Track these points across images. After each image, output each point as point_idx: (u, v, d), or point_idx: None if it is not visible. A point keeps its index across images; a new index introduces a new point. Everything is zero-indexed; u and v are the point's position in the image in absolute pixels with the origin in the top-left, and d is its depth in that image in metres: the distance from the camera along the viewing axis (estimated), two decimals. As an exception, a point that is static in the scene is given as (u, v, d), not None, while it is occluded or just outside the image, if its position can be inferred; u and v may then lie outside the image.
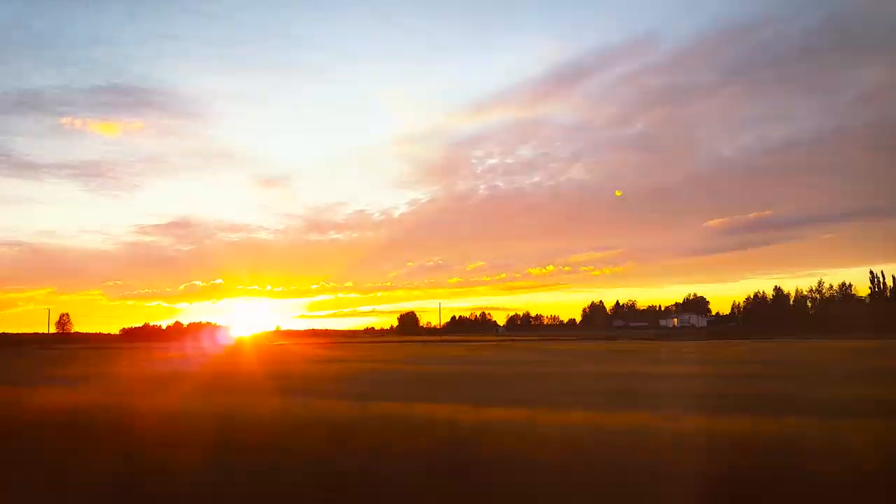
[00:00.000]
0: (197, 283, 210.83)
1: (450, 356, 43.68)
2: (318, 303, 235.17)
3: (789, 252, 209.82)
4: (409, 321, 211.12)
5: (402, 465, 4.70)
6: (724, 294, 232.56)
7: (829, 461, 3.98)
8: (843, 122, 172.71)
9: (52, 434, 6.24)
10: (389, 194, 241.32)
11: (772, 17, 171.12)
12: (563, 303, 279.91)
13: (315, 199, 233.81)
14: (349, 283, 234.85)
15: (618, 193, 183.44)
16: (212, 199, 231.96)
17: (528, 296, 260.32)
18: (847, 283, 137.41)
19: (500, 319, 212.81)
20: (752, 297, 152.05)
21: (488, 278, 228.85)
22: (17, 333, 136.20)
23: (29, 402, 8.01)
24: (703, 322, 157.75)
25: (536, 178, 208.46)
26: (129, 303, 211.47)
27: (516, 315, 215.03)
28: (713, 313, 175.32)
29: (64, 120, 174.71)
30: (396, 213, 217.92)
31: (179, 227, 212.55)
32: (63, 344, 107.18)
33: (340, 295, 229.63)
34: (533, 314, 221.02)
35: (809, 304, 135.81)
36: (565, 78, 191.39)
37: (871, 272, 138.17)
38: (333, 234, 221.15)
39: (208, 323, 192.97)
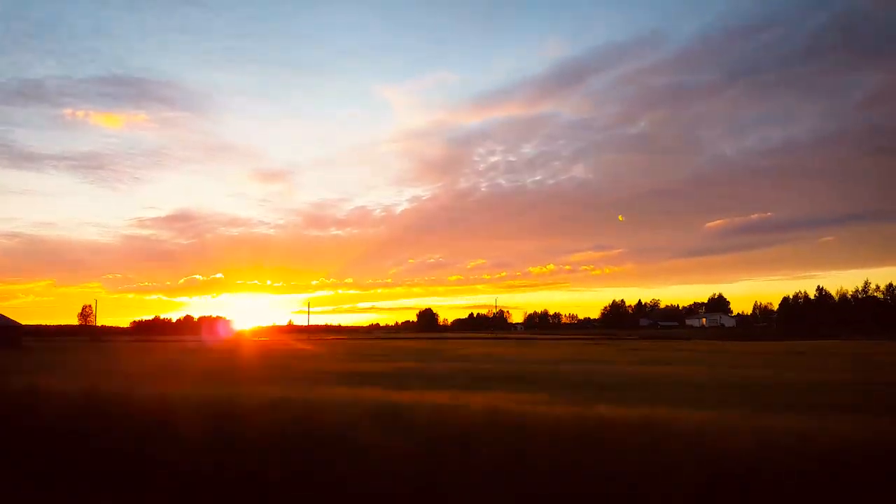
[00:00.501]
0: (197, 277, 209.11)
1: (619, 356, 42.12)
2: (317, 298, 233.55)
3: (789, 254, 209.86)
4: (427, 318, 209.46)
5: None
6: (725, 294, 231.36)
7: None
8: (845, 125, 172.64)
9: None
10: (391, 191, 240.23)
11: (777, 20, 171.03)
12: (570, 302, 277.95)
13: (316, 194, 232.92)
14: (349, 280, 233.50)
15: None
16: (212, 192, 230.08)
17: (532, 294, 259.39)
18: (893, 285, 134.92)
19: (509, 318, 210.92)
20: (791, 296, 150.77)
21: (489, 276, 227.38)
22: (48, 325, 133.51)
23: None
24: (731, 322, 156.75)
25: (538, 177, 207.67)
26: (130, 296, 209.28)
27: (535, 313, 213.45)
28: (734, 313, 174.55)
29: (65, 111, 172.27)
30: (398, 210, 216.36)
31: (180, 220, 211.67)
32: (106, 336, 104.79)
33: (340, 291, 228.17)
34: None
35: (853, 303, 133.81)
36: (569, 76, 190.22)
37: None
38: (334, 230, 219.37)
39: (218, 316, 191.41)
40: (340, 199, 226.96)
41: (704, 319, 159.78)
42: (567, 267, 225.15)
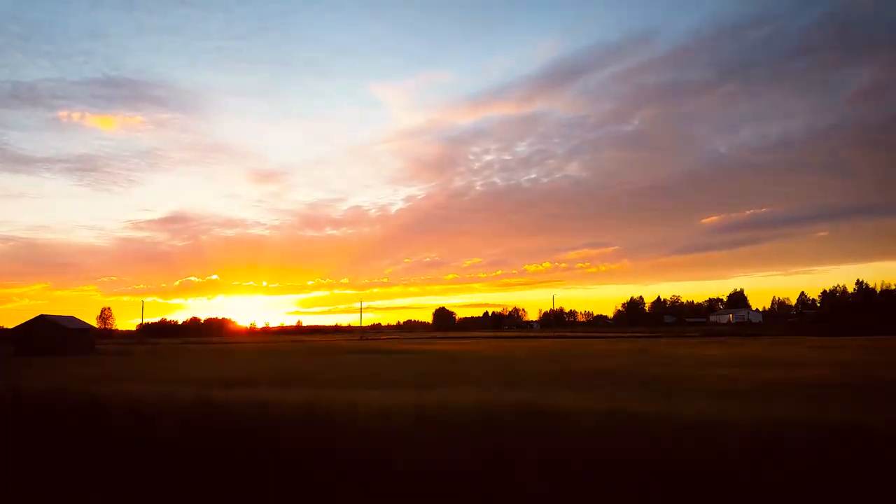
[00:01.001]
0: (192, 278, 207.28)
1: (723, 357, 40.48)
2: (313, 299, 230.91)
3: (784, 249, 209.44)
4: (444, 316, 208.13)
5: None
6: (720, 291, 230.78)
7: None
8: (838, 121, 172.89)
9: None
10: (386, 190, 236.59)
11: (769, 16, 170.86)
12: (569, 298, 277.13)
13: (311, 194, 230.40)
14: (345, 280, 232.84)
15: None
16: (207, 194, 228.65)
17: (529, 293, 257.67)
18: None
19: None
20: (828, 290, 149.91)
21: (485, 275, 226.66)
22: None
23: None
24: (758, 317, 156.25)
25: (533, 175, 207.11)
26: (125, 298, 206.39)
27: (551, 311, 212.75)
28: (753, 309, 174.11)
29: (60, 113, 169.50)
30: (393, 210, 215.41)
31: (175, 222, 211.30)
32: (138, 340, 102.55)
33: (336, 291, 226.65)
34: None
35: None
36: (562, 75, 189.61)
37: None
38: (329, 230, 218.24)
39: (226, 318, 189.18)
40: (336, 199, 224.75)
41: (731, 315, 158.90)
42: (563, 265, 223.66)
